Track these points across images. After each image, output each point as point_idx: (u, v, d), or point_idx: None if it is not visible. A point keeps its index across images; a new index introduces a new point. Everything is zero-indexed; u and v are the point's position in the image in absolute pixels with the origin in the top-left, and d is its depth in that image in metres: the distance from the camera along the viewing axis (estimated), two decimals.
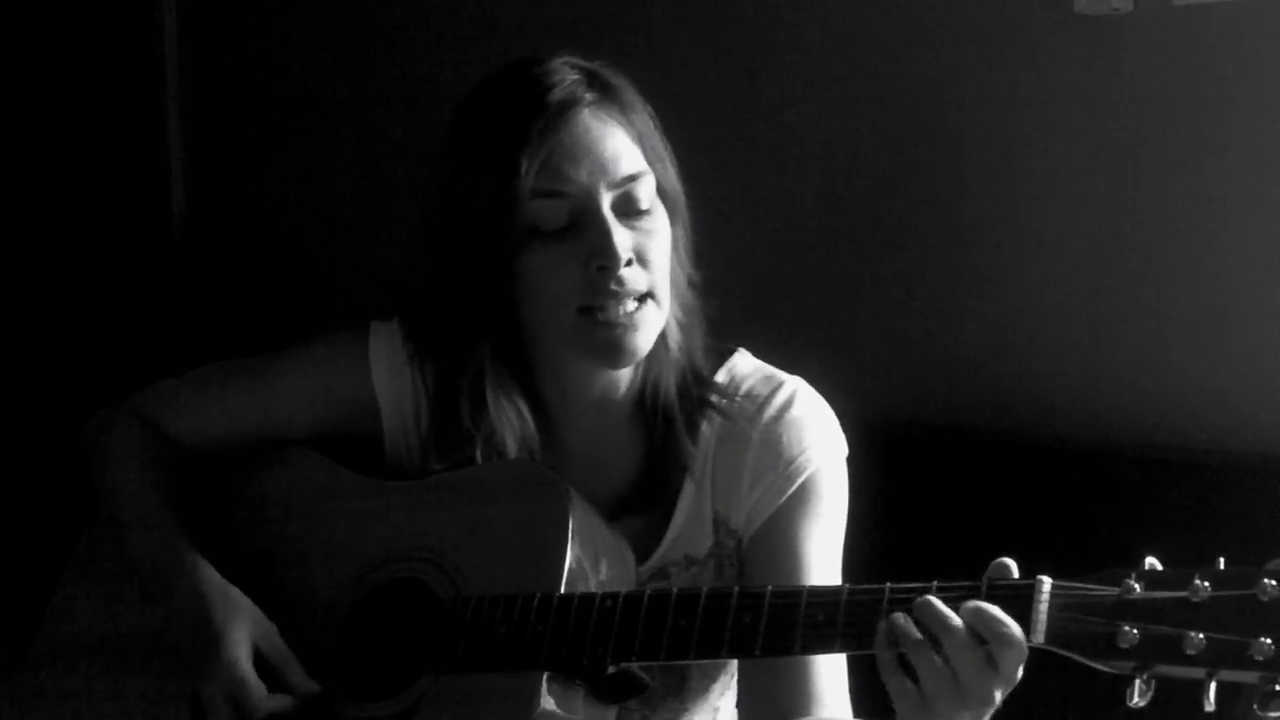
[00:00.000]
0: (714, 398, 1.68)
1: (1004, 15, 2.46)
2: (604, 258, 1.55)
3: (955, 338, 2.54)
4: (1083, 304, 2.44)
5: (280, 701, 1.58)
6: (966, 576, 1.38)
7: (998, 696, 1.34)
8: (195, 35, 3.38)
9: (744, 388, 1.69)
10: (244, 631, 1.60)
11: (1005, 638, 1.32)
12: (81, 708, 1.72)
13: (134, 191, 3.34)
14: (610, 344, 1.58)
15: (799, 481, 1.65)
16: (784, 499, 1.65)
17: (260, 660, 1.60)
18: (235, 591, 1.64)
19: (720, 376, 1.70)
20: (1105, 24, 2.37)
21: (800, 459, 1.66)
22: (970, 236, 2.52)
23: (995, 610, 1.33)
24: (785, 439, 1.66)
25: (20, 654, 1.79)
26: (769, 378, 1.70)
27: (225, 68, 3.36)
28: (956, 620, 1.34)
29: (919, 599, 1.36)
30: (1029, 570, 1.37)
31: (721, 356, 1.72)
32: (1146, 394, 2.39)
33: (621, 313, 1.57)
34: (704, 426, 1.68)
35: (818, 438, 1.67)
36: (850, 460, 1.71)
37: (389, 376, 1.72)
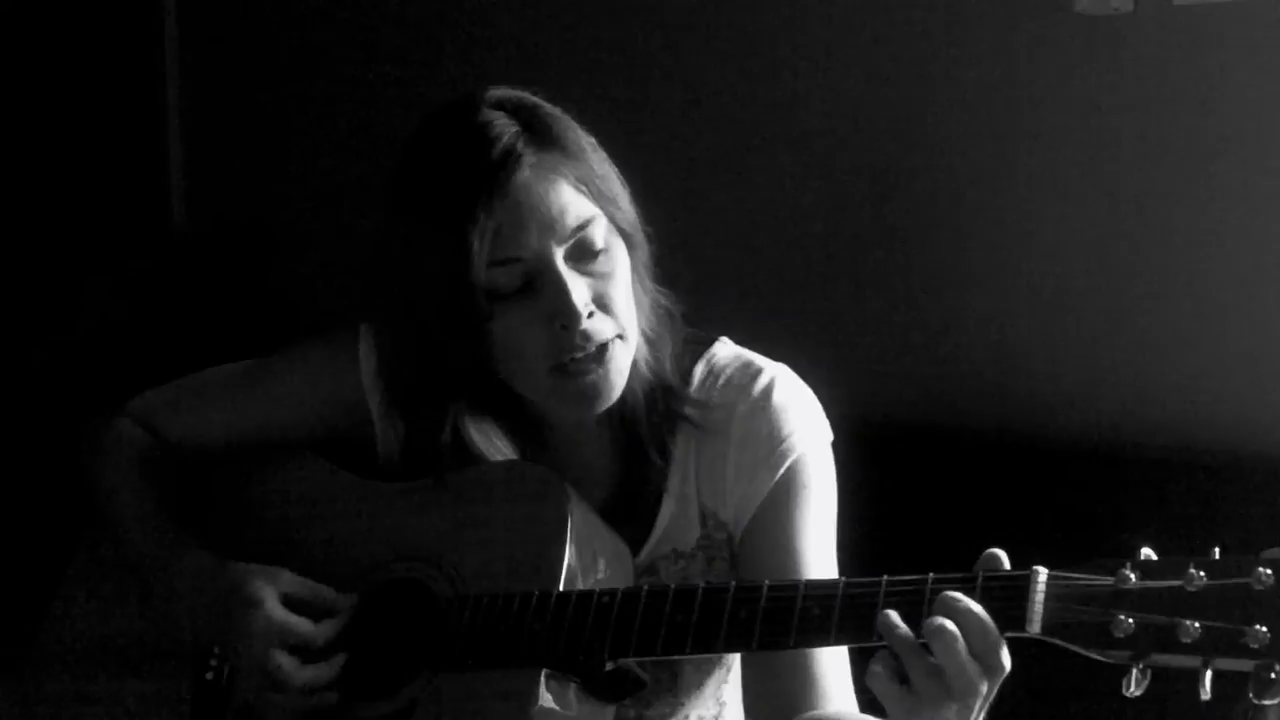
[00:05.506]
0: (687, 409, 1.67)
1: (1004, 15, 2.46)
2: (564, 317, 1.54)
3: (954, 337, 2.54)
4: (1081, 304, 2.44)
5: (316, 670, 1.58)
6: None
7: (983, 688, 1.34)
8: (196, 36, 3.37)
9: (723, 378, 1.68)
10: (262, 582, 1.60)
11: (977, 626, 1.33)
12: (81, 710, 1.72)
13: (134, 191, 3.34)
14: (585, 393, 1.57)
15: (784, 468, 1.64)
16: (771, 487, 1.64)
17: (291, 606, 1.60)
18: (237, 563, 1.63)
19: (699, 368, 1.69)
20: (1105, 24, 2.37)
21: (783, 446, 1.65)
22: (969, 236, 2.52)
23: (956, 595, 1.34)
24: (767, 427, 1.65)
25: (21, 657, 1.79)
26: (747, 365, 1.69)
27: (225, 69, 3.35)
28: (937, 620, 1.34)
29: (880, 615, 1.36)
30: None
31: (701, 347, 1.71)
32: (1146, 394, 2.39)
33: (590, 359, 1.56)
34: (682, 427, 1.68)
35: (800, 423, 1.66)
36: (848, 459, 1.71)
37: (378, 378, 1.72)
